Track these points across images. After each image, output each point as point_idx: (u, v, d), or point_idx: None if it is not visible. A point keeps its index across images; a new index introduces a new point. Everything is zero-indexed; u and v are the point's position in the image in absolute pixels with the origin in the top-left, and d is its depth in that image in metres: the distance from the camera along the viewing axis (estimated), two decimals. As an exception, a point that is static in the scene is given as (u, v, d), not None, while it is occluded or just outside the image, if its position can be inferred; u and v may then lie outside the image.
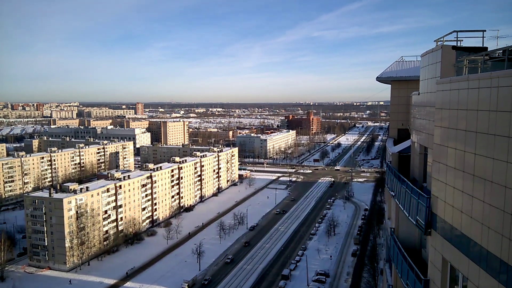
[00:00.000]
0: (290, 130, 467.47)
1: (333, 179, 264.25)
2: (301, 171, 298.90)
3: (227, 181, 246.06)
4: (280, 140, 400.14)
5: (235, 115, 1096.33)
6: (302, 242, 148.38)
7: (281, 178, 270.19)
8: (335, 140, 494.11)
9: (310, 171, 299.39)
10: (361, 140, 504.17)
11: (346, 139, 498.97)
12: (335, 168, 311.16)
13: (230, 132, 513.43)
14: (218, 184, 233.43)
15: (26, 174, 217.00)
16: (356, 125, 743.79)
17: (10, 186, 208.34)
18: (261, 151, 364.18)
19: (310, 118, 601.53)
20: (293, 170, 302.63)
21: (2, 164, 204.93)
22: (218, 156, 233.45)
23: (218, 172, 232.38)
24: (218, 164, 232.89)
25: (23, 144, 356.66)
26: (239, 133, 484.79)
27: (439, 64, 22.88)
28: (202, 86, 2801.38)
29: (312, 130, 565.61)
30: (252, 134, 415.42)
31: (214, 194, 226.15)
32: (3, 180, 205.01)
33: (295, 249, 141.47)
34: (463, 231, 17.58)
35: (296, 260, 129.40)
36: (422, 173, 27.51)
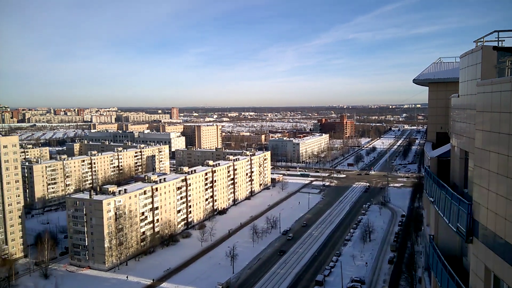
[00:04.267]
0: (323, 134, 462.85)
1: (368, 184, 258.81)
2: (335, 175, 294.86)
3: (260, 184, 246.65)
4: (313, 144, 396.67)
5: (267, 119, 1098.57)
6: (336, 248, 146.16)
7: (314, 183, 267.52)
8: (370, 144, 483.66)
9: (344, 175, 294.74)
10: (397, 144, 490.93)
11: (381, 143, 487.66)
12: (370, 172, 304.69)
13: (263, 136, 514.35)
14: (251, 187, 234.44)
15: (68, 176, 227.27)
16: (392, 128, 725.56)
17: (53, 188, 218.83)
18: (294, 155, 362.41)
19: (344, 121, 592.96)
20: (327, 174, 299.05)
21: (46, 167, 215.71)
22: (251, 160, 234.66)
23: (250, 176, 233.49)
24: (251, 168, 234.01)
25: (65, 147, 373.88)
26: (272, 137, 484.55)
27: (480, 65, 22.19)
28: (235, 91, 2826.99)
29: (346, 134, 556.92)
30: (285, 138, 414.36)
31: (247, 198, 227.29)
32: (47, 182, 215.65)
33: (329, 255, 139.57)
34: (507, 239, 16.90)
35: (330, 266, 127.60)
36: (462, 179, 26.62)
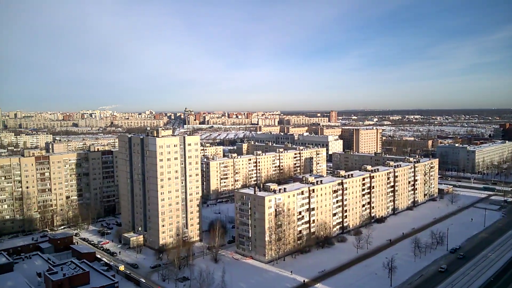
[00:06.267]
0: (507, 141, 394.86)
1: None
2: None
3: (424, 195, 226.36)
4: (492, 152, 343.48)
5: (435, 122, 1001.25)
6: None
7: (493, 197, 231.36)
8: None
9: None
10: None
11: None
12: None
13: (429, 142, 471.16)
14: (414, 197, 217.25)
15: (237, 172, 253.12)
16: None
17: (224, 182, 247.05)
18: (467, 164, 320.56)
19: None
20: (510, 188, 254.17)
21: (219, 163, 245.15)
22: (414, 167, 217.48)
23: (413, 185, 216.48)
24: (414, 176, 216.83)
25: (235, 147, 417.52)
26: (440, 142, 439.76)
27: None
28: (398, 92, 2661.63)
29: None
30: (457, 144, 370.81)
31: (409, 208, 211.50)
32: (220, 177, 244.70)
33: (509, 283, 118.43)
34: None
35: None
36: None
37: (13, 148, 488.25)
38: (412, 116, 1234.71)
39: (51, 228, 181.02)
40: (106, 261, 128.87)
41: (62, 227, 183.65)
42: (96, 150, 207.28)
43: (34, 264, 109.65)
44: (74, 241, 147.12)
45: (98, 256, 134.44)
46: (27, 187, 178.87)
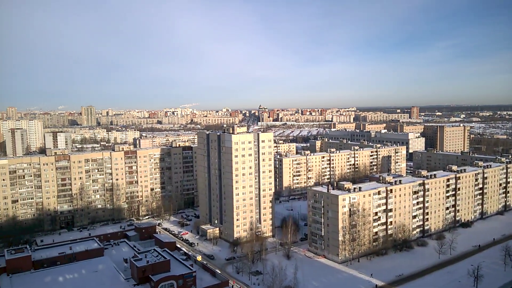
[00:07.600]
0: None
1: None
2: None
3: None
4: None
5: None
6: None
7: None
8: None
9: None
10: None
11: None
12: None
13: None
14: (505, 201, 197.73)
15: (309, 170, 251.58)
16: None
17: (297, 179, 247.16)
18: None
19: None
20: None
21: (292, 160, 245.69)
22: (507, 168, 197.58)
23: (505, 187, 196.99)
24: (506, 178, 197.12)
25: (308, 144, 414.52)
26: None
27: None
28: (490, 86, 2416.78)
29: None
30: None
31: (499, 212, 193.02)
32: (292, 174, 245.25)
33: None
34: None
35: None
36: None
37: (105, 143, 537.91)
38: (505, 112, 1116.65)
39: (137, 218, 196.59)
40: (185, 250, 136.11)
41: (147, 217, 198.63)
42: (177, 146, 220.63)
43: (122, 251, 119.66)
44: (157, 230, 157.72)
45: (178, 245, 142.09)
46: (117, 179, 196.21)
